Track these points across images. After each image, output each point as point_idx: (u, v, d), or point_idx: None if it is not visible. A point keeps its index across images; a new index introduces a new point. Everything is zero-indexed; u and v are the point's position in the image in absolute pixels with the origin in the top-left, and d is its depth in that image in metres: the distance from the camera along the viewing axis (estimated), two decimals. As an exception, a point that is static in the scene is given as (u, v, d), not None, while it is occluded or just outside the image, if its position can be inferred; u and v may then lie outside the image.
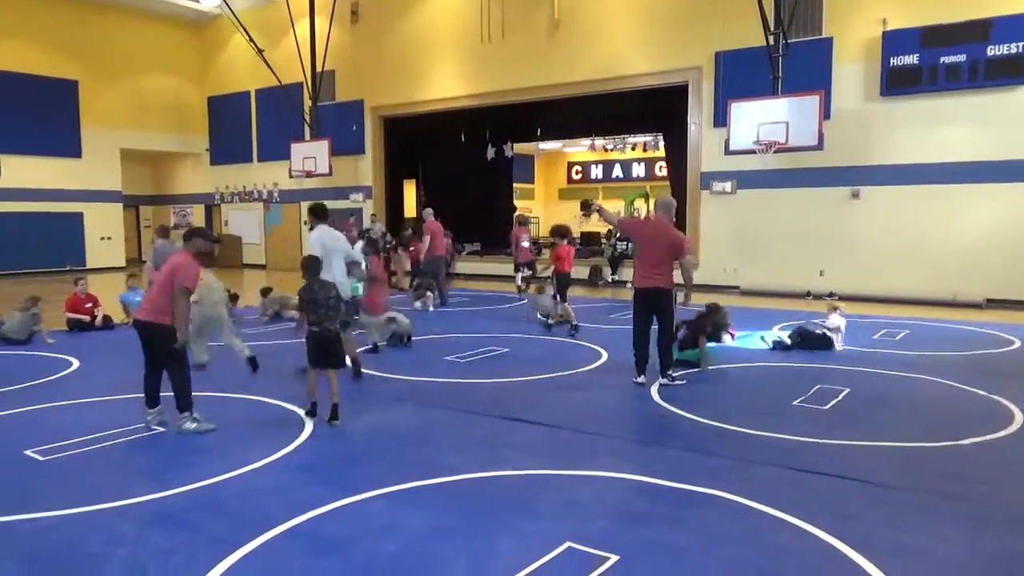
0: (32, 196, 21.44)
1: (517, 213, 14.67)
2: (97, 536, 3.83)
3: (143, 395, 5.89)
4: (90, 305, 10.83)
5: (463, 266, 20.66)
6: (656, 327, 7.20)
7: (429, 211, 14.96)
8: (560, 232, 11.44)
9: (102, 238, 23.17)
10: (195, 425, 5.68)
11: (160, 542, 3.75)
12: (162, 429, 5.78)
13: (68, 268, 20.73)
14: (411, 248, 17.27)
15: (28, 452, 5.19)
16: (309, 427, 5.80)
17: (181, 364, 5.75)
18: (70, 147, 22.48)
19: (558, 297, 10.85)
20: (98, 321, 10.74)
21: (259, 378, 7.57)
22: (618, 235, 17.15)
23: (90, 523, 4.00)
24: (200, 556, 3.58)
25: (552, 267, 11.12)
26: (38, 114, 21.44)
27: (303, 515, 4.05)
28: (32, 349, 9.35)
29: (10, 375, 7.74)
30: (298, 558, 3.58)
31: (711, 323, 8.31)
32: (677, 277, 7.25)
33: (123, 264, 23.31)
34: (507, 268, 20.00)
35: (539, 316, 11.11)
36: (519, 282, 15.51)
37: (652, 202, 8.42)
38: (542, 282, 12.55)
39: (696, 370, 7.80)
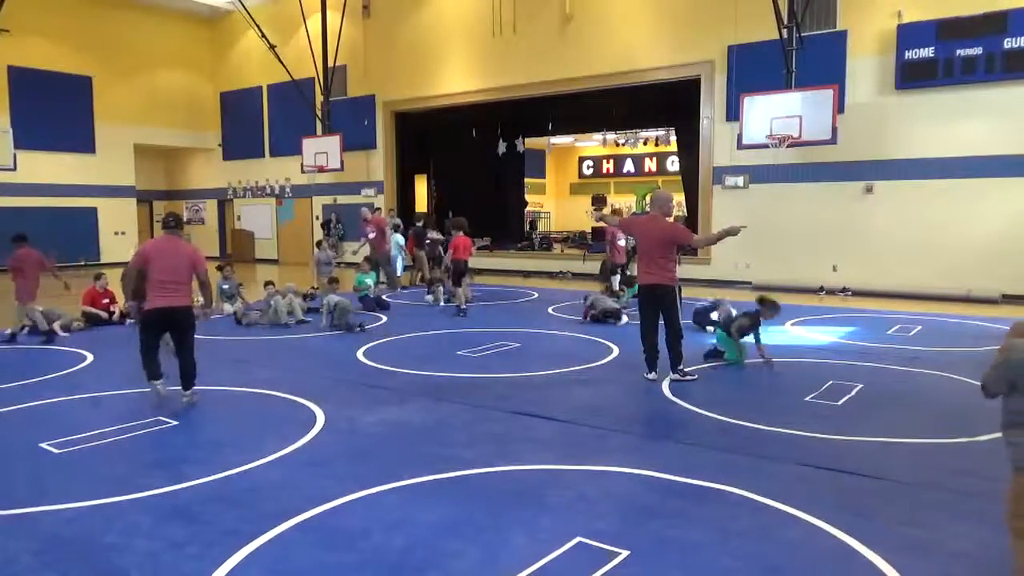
0: (47, 191, 21.64)
1: (616, 208, 13.90)
2: (113, 528, 3.88)
3: (147, 371, 6.32)
4: (107, 301, 10.95)
5: (474, 261, 20.60)
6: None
7: (365, 209, 16.23)
8: (456, 225, 12.83)
9: (116, 233, 23.36)
10: (198, 397, 6.37)
11: (175, 534, 3.79)
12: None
13: (83, 263, 20.89)
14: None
15: (43, 445, 5.25)
16: (322, 421, 5.83)
17: (193, 343, 6.47)
18: (84, 143, 22.67)
19: (449, 282, 12.35)
20: (114, 317, 10.89)
21: (273, 373, 7.62)
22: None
23: (106, 515, 4.05)
24: (214, 548, 3.61)
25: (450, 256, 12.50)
26: (53, 110, 21.64)
27: (315, 508, 4.08)
28: (46, 343, 9.44)
29: (25, 368, 7.83)
30: (310, 551, 3.60)
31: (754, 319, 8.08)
32: (687, 272, 7.23)
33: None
34: (518, 263, 20.03)
35: (452, 301, 12.33)
36: (616, 287, 13.14)
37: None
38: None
39: (724, 363, 7.90)
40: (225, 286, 11.93)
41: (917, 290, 13.57)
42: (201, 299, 6.79)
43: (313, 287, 13.37)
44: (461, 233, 12.64)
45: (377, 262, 15.06)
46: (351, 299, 12.38)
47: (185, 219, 27.78)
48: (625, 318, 10.65)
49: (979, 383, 2.97)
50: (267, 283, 11.76)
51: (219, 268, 12.45)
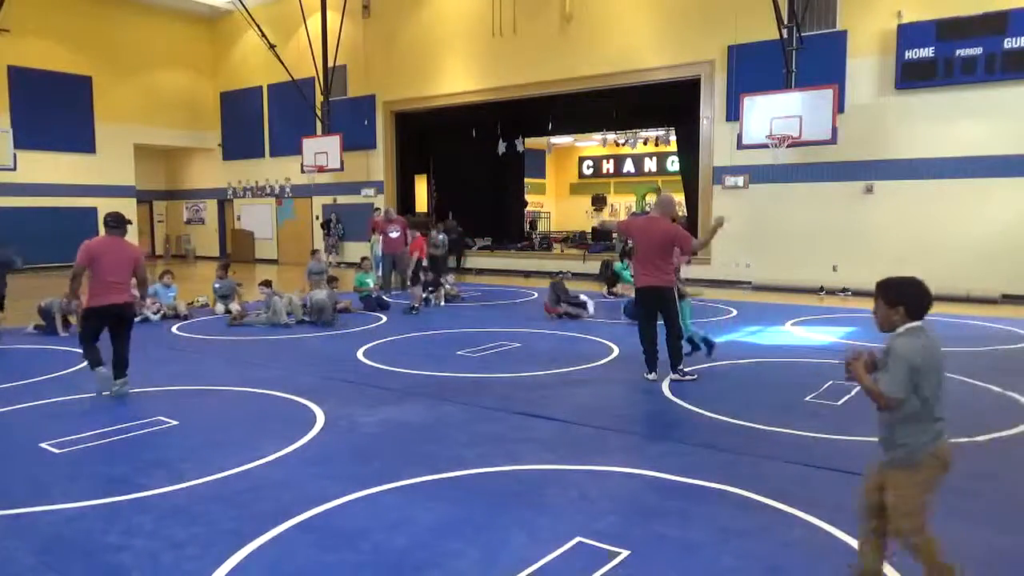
0: (47, 191, 21.64)
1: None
2: (114, 528, 3.88)
3: (90, 360, 6.61)
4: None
5: (474, 261, 20.67)
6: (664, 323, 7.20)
7: (391, 209, 16.40)
8: (415, 224, 13.34)
9: (116, 233, 23.34)
10: (128, 386, 6.71)
11: (175, 534, 3.79)
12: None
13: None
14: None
15: (44, 445, 5.25)
16: (322, 421, 5.83)
17: (130, 336, 6.81)
18: (84, 142, 22.66)
19: (410, 280, 12.61)
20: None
21: (273, 373, 7.62)
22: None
23: (107, 515, 4.05)
24: (214, 548, 3.61)
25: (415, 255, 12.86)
26: (53, 110, 21.63)
27: (315, 508, 4.08)
28: (47, 343, 9.45)
29: (25, 369, 7.83)
30: (310, 551, 3.60)
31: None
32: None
33: (137, 259, 23.46)
34: (518, 263, 20.03)
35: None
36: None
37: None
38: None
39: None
40: (217, 285, 12.11)
41: (917, 290, 13.54)
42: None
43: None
44: (419, 234, 13.01)
45: (394, 260, 15.05)
46: (352, 299, 12.45)
47: (186, 218, 27.83)
48: (591, 307, 11.31)
49: (893, 395, 2.92)
50: (262, 283, 11.82)
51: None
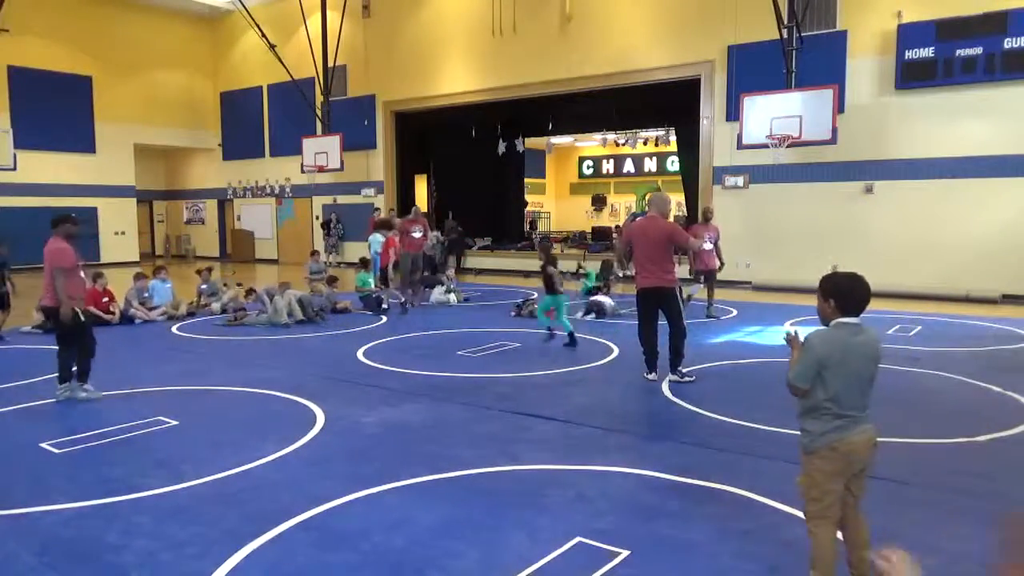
0: (47, 191, 21.61)
1: (705, 207, 12.48)
2: (113, 528, 3.88)
3: (57, 374, 6.54)
4: (107, 300, 10.94)
5: (475, 261, 20.67)
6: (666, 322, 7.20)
7: (416, 207, 15.75)
8: (384, 224, 13.55)
9: (116, 233, 23.36)
10: (87, 394, 6.54)
11: (175, 534, 3.79)
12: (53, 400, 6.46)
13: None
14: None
15: (43, 445, 5.26)
16: (322, 421, 5.83)
17: (87, 338, 6.59)
18: (84, 142, 22.66)
19: (402, 281, 12.68)
20: (114, 317, 10.87)
21: (273, 373, 7.62)
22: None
23: (106, 515, 4.05)
24: (214, 548, 3.61)
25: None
26: (53, 110, 21.62)
27: (315, 508, 4.08)
28: (47, 343, 9.44)
29: (24, 369, 7.82)
30: (310, 551, 3.60)
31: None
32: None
33: (137, 258, 23.51)
34: (518, 263, 20.02)
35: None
36: (683, 295, 9.01)
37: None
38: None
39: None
40: (203, 287, 12.32)
41: (917, 290, 13.56)
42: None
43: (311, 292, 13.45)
44: (391, 234, 13.12)
45: (412, 260, 14.90)
46: (352, 299, 12.47)
47: (186, 218, 27.78)
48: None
49: (794, 383, 3.03)
50: (249, 291, 11.88)
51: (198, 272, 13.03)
